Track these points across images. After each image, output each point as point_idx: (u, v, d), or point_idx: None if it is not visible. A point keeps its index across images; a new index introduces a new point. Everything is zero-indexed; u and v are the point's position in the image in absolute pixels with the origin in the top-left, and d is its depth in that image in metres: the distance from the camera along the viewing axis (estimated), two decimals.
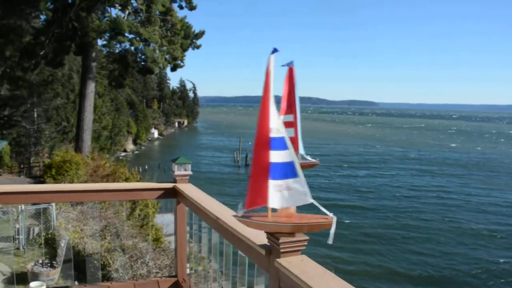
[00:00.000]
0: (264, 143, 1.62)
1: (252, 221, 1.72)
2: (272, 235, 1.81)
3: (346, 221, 27.82)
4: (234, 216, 1.81)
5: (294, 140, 2.33)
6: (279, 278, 1.82)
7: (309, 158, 2.38)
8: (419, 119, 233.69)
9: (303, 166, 2.41)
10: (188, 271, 3.67)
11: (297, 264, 1.75)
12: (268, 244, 1.90)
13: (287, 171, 1.63)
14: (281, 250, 1.78)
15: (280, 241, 1.76)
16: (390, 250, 23.19)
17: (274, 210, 1.71)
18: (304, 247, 1.83)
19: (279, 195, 1.63)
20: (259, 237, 2.02)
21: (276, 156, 1.61)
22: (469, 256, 22.56)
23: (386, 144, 79.99)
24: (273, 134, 1.61)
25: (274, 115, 1.62)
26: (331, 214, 1.63)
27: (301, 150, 2.33)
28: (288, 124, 2.32)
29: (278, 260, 1.79)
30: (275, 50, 1.59)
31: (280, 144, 1.61)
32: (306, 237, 1.81)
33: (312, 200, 1.64)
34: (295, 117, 2.29)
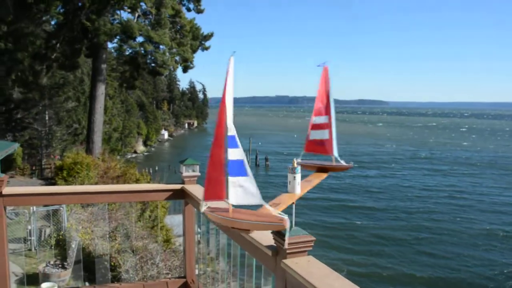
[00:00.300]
0: (222, 140, 1.67)
1: (213, 214, 1.77)
2: (278, 236, 1.80)
3: (357, 222, 27.67)
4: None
5: (328, 142, 2.32)
6: (285, 279, 1.81)
7: (342, 162, 2.36)
8: (430, 118, 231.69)
9: (338, 169, 2.38)
10: (197, 271, 3.67)
11: (304, 265, 1.74)
12: (275, 245, 1.89)
13: (239, 169, 1.66)
14: (287, 251, 1.77)
15: (286, 242, 1.74)
16: (402, 251, 22.98)
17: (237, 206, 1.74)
18: (310, 248, 1.81)
19: (234, 191, 1.67)
20: (265, 238, 2.01)
21: (231, 154, 1.65)
22: (483, 258, 22.23)
23: (397, 143, 79.36)
24: (229, 132, 1.64)
25: (230, 114, 1.66)
26: (285, 217, 1.65)
27: (335, 153, 2.32)
28: (322, 126, 2.32)
29: (284, 261, 1.78)
30: (234, 53, 1.60)
31: (234, 142, 1.65)
32: (313, 238, 1.79)
33: (262, 202, 1.68)
34: (330, 119, 2.29)
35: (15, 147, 18.70)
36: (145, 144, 64.83)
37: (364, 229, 26.36)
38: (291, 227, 1.82)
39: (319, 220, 27.60)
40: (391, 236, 25.30)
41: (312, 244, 1.80)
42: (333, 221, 28.03)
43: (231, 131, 1.64)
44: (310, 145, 2.35)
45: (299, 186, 1.90)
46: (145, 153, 61.96)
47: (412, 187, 39.61)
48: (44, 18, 21.12)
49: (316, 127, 2.30)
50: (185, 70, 23.00)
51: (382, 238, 24.85)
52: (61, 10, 20.39)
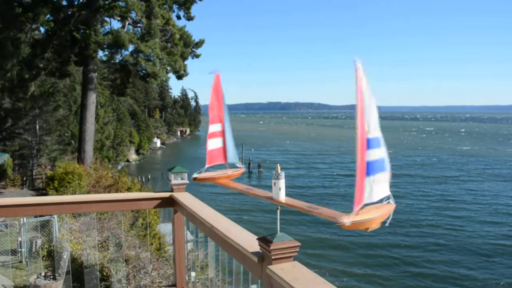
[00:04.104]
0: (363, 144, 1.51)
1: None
2: (263, 242, 1.81)
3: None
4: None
5: (222, 150, 2.39)
6: (271, 285, 1.81)
7: (240, 166, 2.44)
8: (428, 122, 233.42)
9: (232, 176, 2.45)
10: (187, 278, 3.66)
11: (289, 270, 1.74)
12: (261, 251, 1.89)
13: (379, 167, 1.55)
14: (273, 257, 1.77)
15: (271, 248, 1.75)
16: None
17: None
18: (296, 253, 1.82)
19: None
20: (251, 245, 2.02)
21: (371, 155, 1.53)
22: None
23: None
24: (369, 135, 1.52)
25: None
26: (392, 201, 1.60)
27: (230, 159, 2.42)
28: (216, 134, 2.36)
29: (270, 267, 1.79)
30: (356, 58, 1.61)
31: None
32: (298, 243, 1.80)
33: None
34: (223, 126, 2.35)
35: (5, 158, 18.53)
36: (137, 152, 64.51)
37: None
38: (276, 233, 1.83)
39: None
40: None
41: (297, 249, 1.81)
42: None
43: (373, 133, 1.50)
44: (209, 157, 2.37)
45: (284, 192, 1.91)
46: (138, 162, 61.63)
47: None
48: (33, 27, 20.98)
49: (212, 136, 2.34)
50: (179, 77, 22.86)
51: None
52: (51, 19, 20.28)
